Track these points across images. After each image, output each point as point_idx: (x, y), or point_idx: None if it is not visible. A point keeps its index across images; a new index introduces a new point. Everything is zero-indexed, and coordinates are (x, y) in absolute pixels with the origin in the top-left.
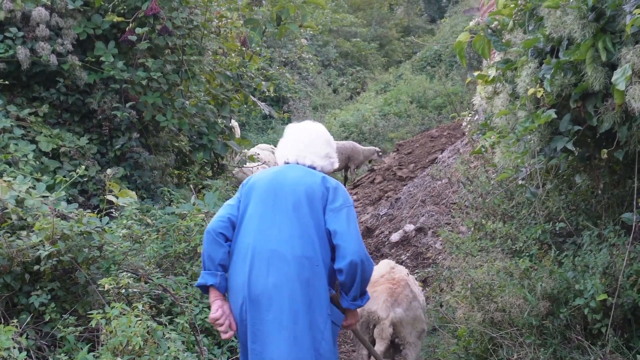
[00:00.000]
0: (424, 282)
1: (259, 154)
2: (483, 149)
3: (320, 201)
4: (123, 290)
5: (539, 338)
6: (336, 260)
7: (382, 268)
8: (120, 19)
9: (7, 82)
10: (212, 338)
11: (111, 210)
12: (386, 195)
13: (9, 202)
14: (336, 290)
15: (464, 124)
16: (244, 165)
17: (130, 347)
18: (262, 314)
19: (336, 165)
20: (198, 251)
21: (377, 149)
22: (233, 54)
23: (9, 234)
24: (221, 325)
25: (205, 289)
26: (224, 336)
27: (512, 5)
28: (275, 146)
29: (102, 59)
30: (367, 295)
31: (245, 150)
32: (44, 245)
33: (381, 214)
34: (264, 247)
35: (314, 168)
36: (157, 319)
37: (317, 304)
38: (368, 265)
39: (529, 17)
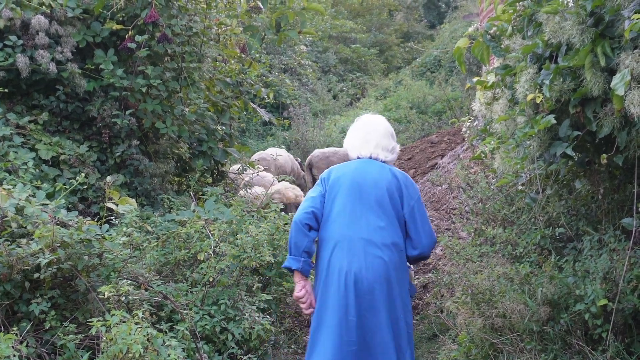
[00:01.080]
0: (425, 288)
1: (259, 160)
2: (483, 155)
3: (397, 195)
4: (123, 298)
5: (540, 344)
6: (408, 248)
7: None
8: (119, 26)
9: (6, 90)
10: (213, 345)
11: (111, 217)
12: None
13: (8, 210)
14: None
15: (464, 129)
16: (244, 172)
17: (130, 355)
18: (363, 292)
19: (397, 154)
20: (198, 258)
21: None
22: (232, 61)
23: (8, 242)
24: (304, 302)
25: (290, 270)
26: (306, 312)
27: (511, 11)
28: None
29: (101, 66)
30: None
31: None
32: (43, 253)
33: None
34: (357, 236)
35: (384, 161)
36: (157, 326)
37: (404, 282)
38: (434, 247)
39: (528, 23)
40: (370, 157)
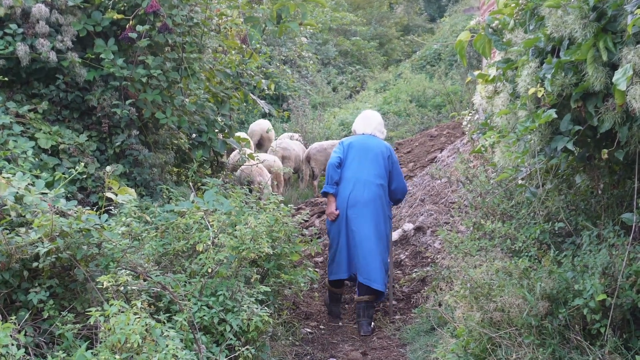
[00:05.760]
0: (423, 281)
1: (258, 156)
2: (483, 149)
3: (385, 157)
4: (122, 288)
5: (538, 338)
6: (390, 190)
7: None
8: (120, 16)
9: (6, 79)
10: (211, 336)
11: (110, 207)
12: None
13: (7, 198)
14: None
15: (464, 123)
16: (245, 164)
17: (128, 345)
18: (360, 211)
19: (385, 135)
20: (197, 249)
21: None
22: (233, 52)
23: (7, 231)
24: (336, 215)
25: (325, 195)
26: (332, 218)
27: (513, 5)
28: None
29: (101, 56)
30: None
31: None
32: (42, 242)
33: None
34: (361, 178)
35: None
36: (156, 316)
37: (387, 207)
38: (406, 190)
39: (530, 17)
40: (371, 134)
